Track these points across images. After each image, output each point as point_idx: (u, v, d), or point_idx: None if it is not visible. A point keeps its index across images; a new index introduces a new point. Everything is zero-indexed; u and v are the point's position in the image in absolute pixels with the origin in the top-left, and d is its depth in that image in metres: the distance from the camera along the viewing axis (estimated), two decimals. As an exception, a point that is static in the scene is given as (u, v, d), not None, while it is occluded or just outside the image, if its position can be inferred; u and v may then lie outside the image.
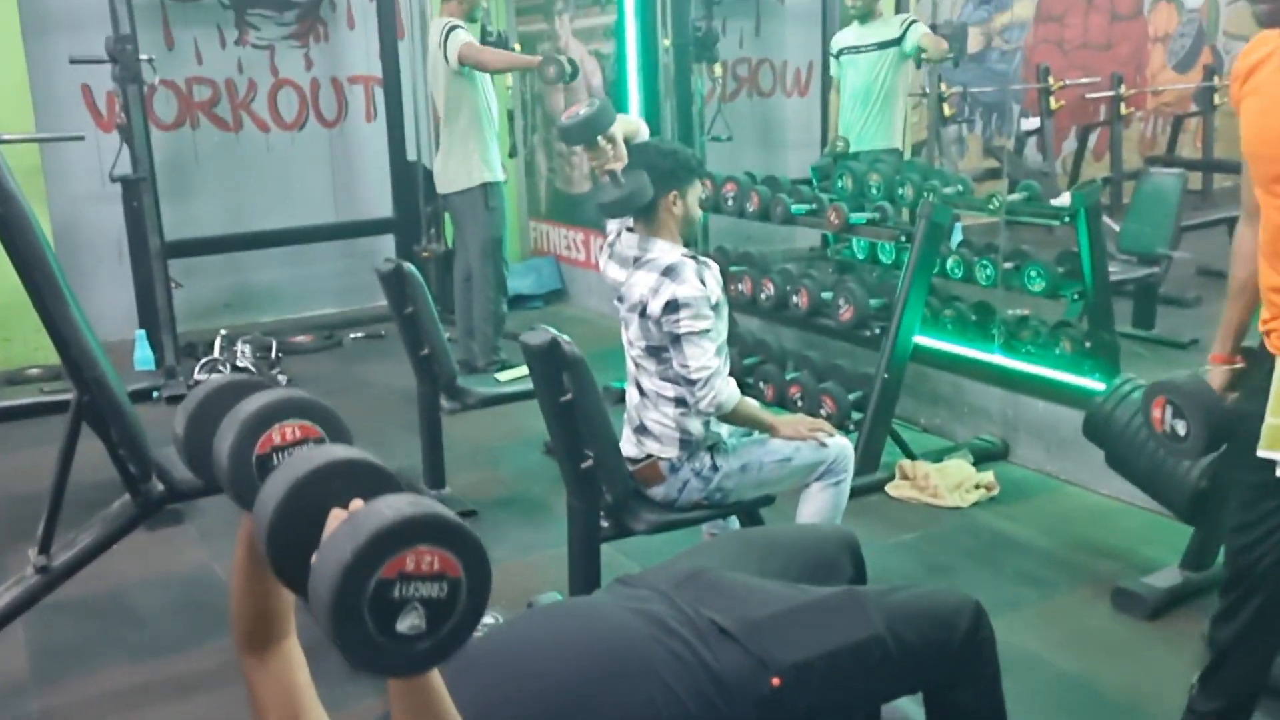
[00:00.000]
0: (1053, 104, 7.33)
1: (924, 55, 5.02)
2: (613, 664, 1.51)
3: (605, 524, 2.65)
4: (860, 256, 4.90)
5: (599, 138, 2.61)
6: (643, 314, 2.63)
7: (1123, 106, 7.47)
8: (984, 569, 3.21)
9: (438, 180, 4.96)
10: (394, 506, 1.04)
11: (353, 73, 6.42)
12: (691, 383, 2.59)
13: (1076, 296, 3.94)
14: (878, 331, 3.82)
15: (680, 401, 2.66)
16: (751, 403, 2.72)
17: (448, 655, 1.06)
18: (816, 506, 2.78)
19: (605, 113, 2.61)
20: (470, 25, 4.89)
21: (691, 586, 1.69)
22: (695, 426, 2.68)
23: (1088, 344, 3.77)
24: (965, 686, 1.71)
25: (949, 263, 4.14)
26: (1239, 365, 2.09)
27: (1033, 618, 2.90)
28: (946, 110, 6.80)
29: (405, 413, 4.28)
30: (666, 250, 2.67)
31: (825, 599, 1.67)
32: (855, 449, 3.70)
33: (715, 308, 2.63)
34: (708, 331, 2.59)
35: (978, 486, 3.68)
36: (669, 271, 2.61)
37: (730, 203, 4.50)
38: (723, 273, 4.49)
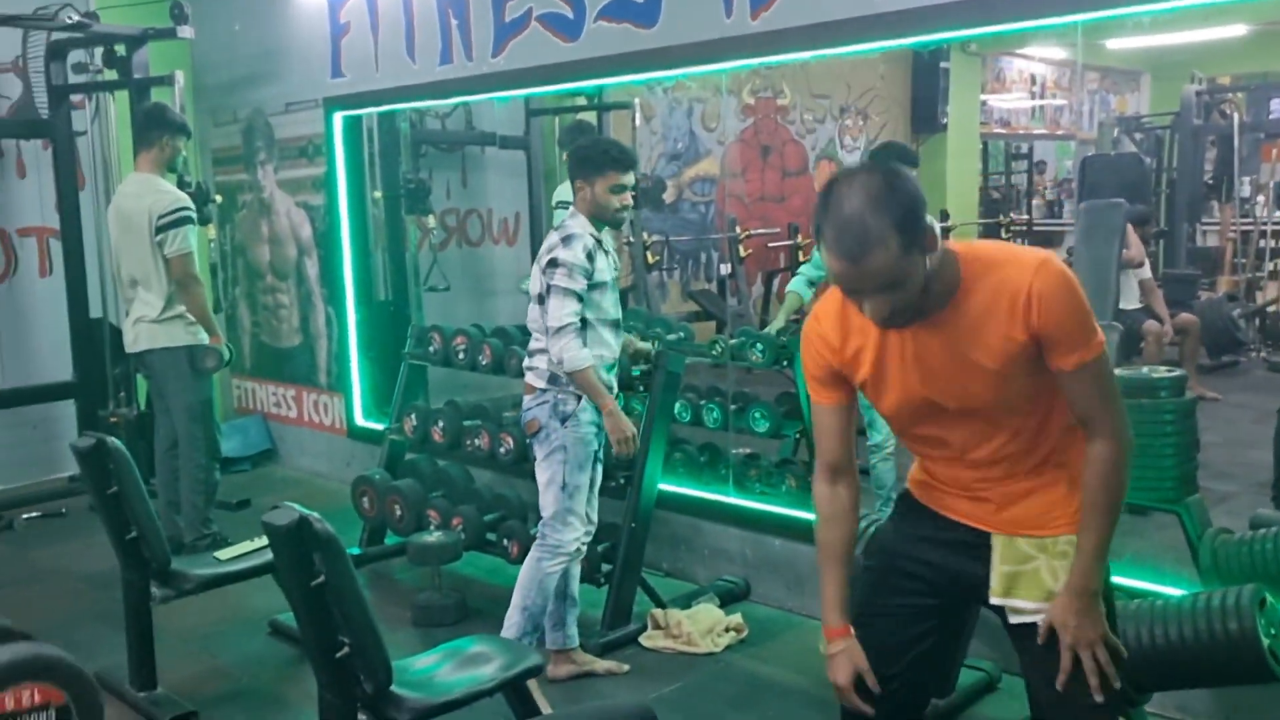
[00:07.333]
0: (742, 252, 7.86)
1: None
2: None
3: (363, 718, 2.40)
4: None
5: None
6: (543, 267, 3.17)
7: (800, 254, 8.12)
8: (748, 715, 3.17)
9: (130, 340, 4.49)
10: None
11: (23, 224, 5.81)
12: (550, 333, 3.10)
13: (799, 435, 4.12)
14: (621, 481, 3.79)
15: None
16: (597, 376, 3.16)
17: None
18: (526, 576, 3.24)
19: None
20: (169, 175, 4.56)
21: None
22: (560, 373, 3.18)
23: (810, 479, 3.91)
24: None
25: (676, 407, 4.24)
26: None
27: (803, 762, 2.88)
28: (650, 257, 7.12)
29: (101, 603, 3.78)
30: (575, 225, 3.17)
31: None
32: (606, 602, 3.66)
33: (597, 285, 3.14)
34: (573, 292, 3.06)
35: (728, 630, 3.68)
36: (565, 239, 3.13)
37: (461, 356, 4.37)
38: (459, 428, 4.34)
